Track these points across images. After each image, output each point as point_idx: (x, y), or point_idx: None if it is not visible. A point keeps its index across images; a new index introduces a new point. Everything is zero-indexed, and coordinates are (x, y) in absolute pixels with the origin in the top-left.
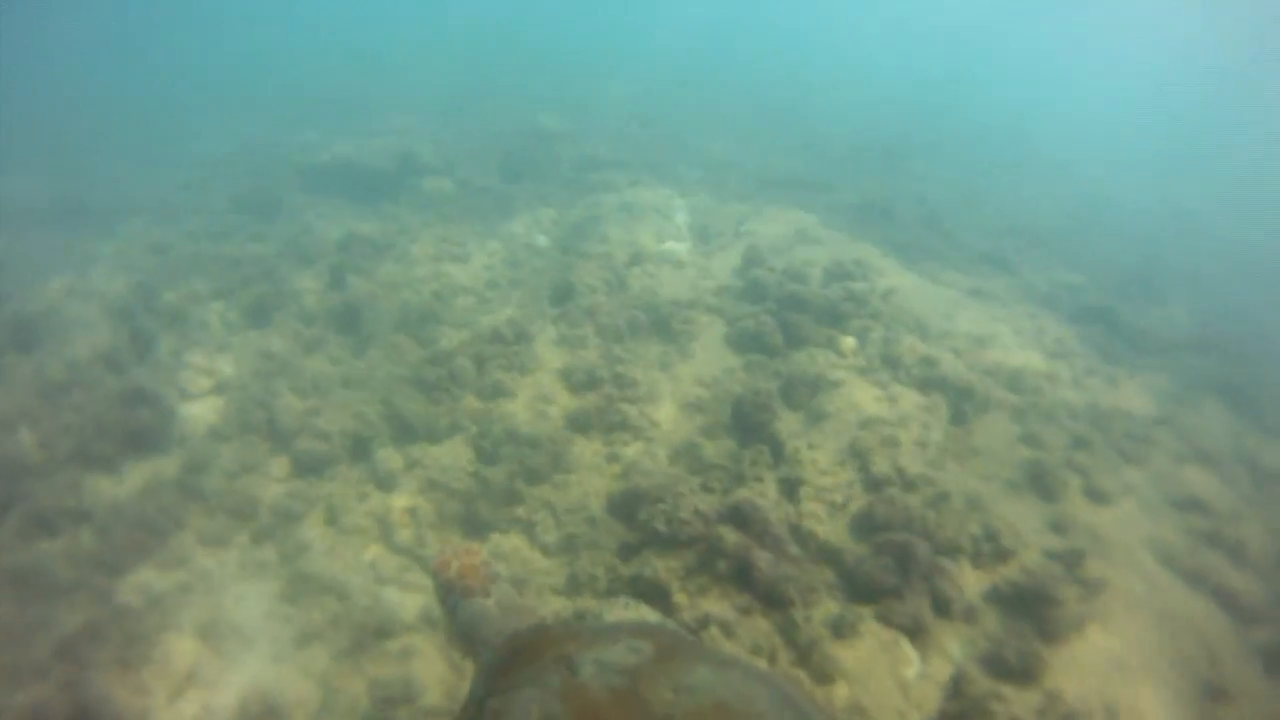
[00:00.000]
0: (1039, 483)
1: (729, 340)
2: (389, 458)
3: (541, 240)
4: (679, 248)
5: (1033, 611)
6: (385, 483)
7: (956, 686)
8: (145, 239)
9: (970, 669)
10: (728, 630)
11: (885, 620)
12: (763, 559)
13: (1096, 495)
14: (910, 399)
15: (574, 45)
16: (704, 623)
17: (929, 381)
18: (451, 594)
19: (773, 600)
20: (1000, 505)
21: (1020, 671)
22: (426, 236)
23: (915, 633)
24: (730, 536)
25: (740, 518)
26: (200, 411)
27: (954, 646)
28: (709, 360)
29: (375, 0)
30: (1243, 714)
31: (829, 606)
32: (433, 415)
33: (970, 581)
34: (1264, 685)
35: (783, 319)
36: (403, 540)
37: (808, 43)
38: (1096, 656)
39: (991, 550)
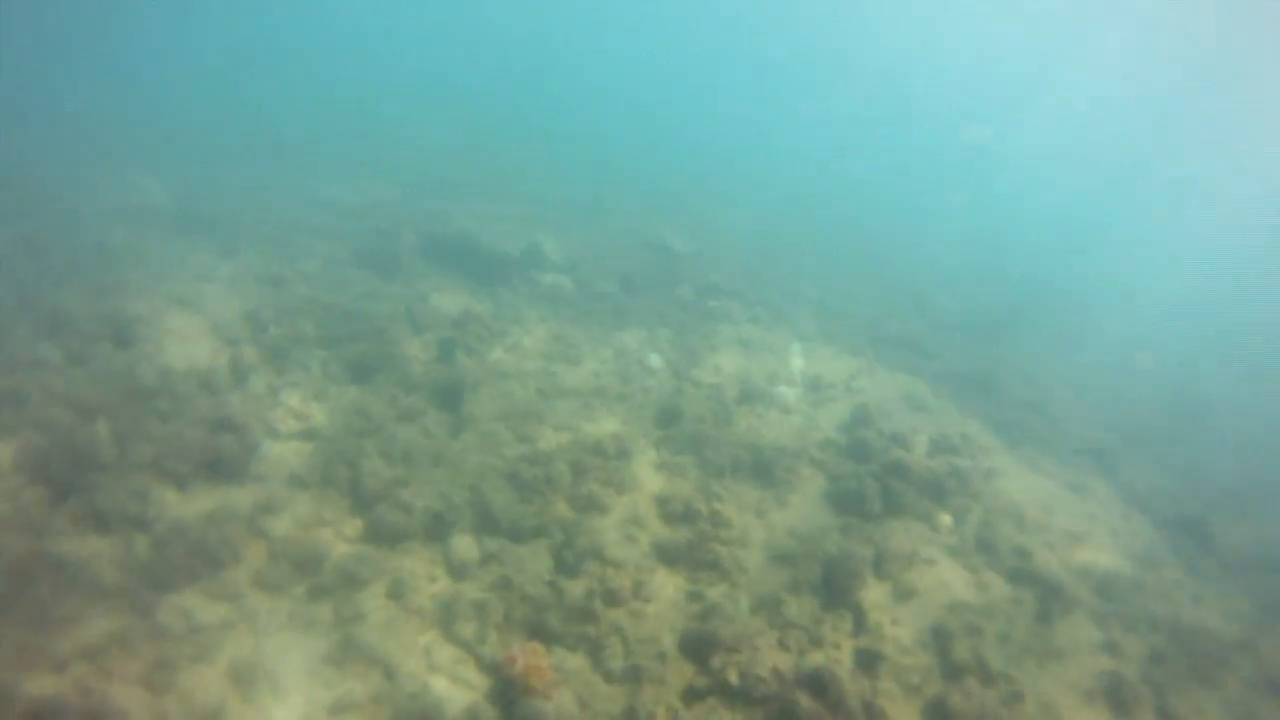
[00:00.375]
0: (1113, 695)
1: (827, 496)
2: (467, 546)
3: (655, 360)
4: (789, 393)
5: None
6: (458, 570)
7: None
8: (263, 269)
9: None
10: None
11: None
12: None
13: (1166, 716)
14: (1000, 588)
15: (703, 157)
16: None
17: (1020, 573)
18: (511, 689)
19: None
20: (1072, 716)
21: None
22: (541, 331)
23: None
24: (805, 702)
25: (818, 685)
26: (284, 453)
27: None
28: (805, 514)
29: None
30: None
31: None
32: (520, 513)
33: None
34: None
35: (885, 484)
36: (464, 633)
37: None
38: None
39: None
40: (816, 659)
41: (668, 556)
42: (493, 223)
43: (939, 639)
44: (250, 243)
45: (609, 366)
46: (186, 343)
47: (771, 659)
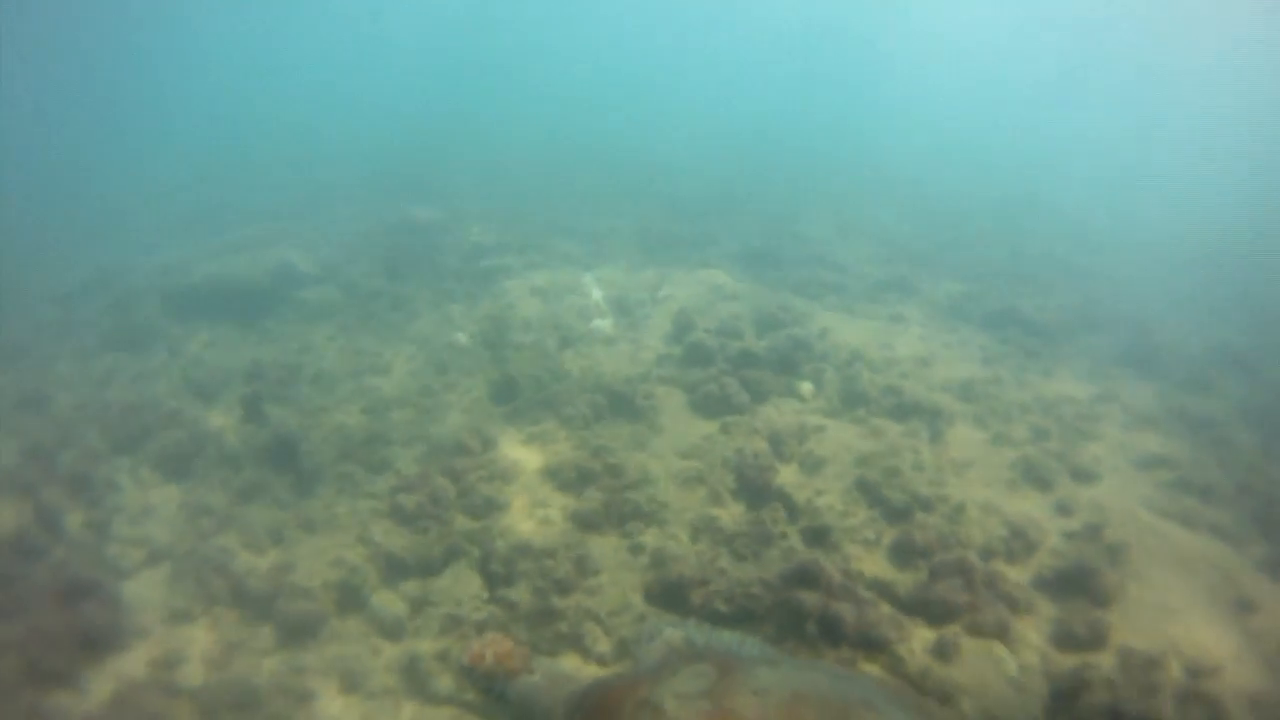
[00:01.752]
0: (1031, 475)
1: (694, 407)
2: (388, 602)
3: (461, 338)
4: (604, 324)
5: (1078, 586)
6: (394, 631)
7: (1048, 668)
8: (14, 393)
9: (1052, 651)
10: None
11: (976, 632)
12: (845, 610)
13: (1081, 474)
14: (891, 429)
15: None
16: None
17: (900, 409)
18: (496, 681)
19: (871, 645)
20: (1008, 504)
21: (1092, 639)
22: (333, 351)
23: (1002, 635)
24: (806, 597)
25: (808, 577)
26: (145, 590)
27: (1032, 636)
28: (682, 431)
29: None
30: (1273, 617)
31: (924, 635)
32: (423, 545)
33: (1015, 576)
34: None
35: (741, 376)
36: (444, 689)
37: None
38: (1144, 607)
39: (1021, 545)
40: (773, 556)
41: (589, 523)
42: (233, 255)
43: (867, 491)
44: None
45: (420, 361)
46: None
47: (741, 573)
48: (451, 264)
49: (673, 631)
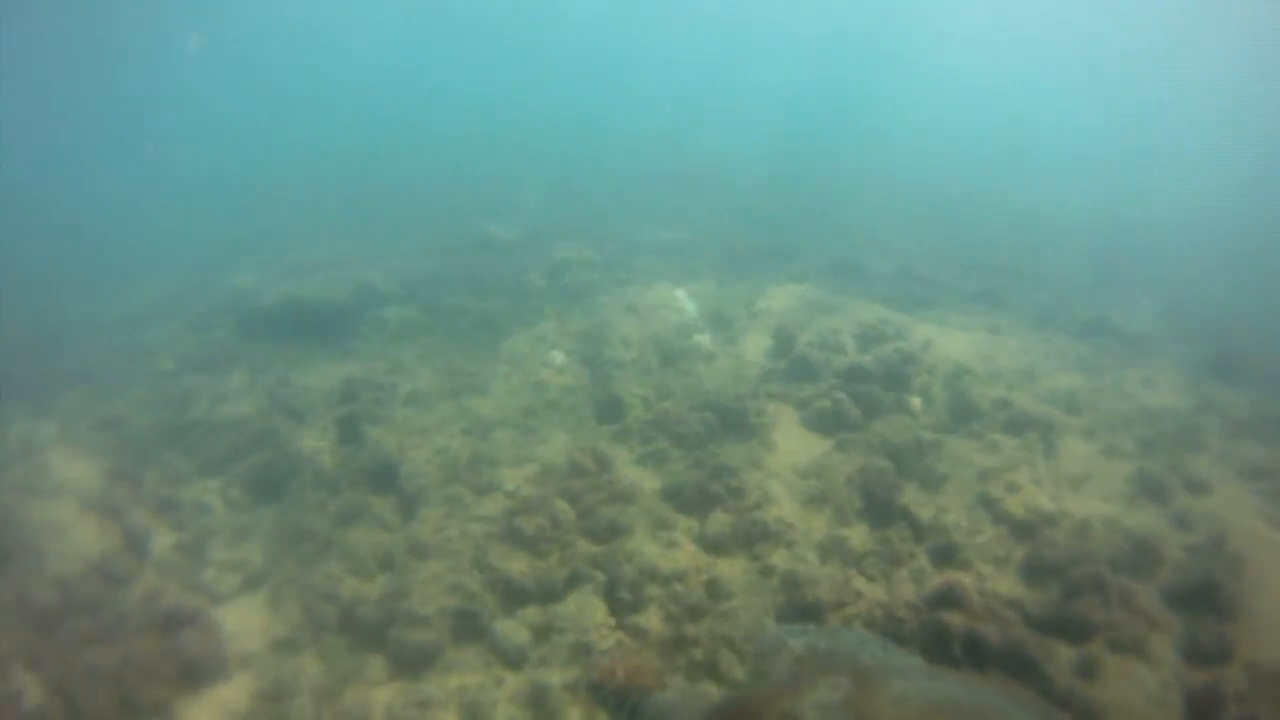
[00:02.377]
0: (1148, 488)
1: (806, 423)
2: (509, 630)
3: (558, 357)
4: (703, 340)
5: (1203, 600)
6: (517, 659)
7: (1184, 683)
8: (89, 414)
9: (1182, 666)
10: None
11: (1116, 649)
12: (990, 630)
13: (1194, 486)
14: (1007, 443)
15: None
16: None
17: (1013, 422)
18: (629, 698)
19: (1017, 665)
20: (1130, 518)
21: (1220, 654)
22: (426, 371)
23: (1139, 651)
24: (953, 619)
25: (951, 599)
26: (244, 617)
27: (1164, 651)
28: (797, 448)
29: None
30: None
31: (1066, 653)
32: (543, 571)
33: (1144, 591)
34: None
35: (852, 391)
36: (570, 718)
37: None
38: (1267, 619)
39: (1147, 560)
40: (902, 575)
41: (715, 546)
42: (308, 275)
43: (990, 508)
44: (61, 390)
45: (516, 380)
46: (62, 534)
47: (875, 594)
48: (536, 282)
49: (795, 641)
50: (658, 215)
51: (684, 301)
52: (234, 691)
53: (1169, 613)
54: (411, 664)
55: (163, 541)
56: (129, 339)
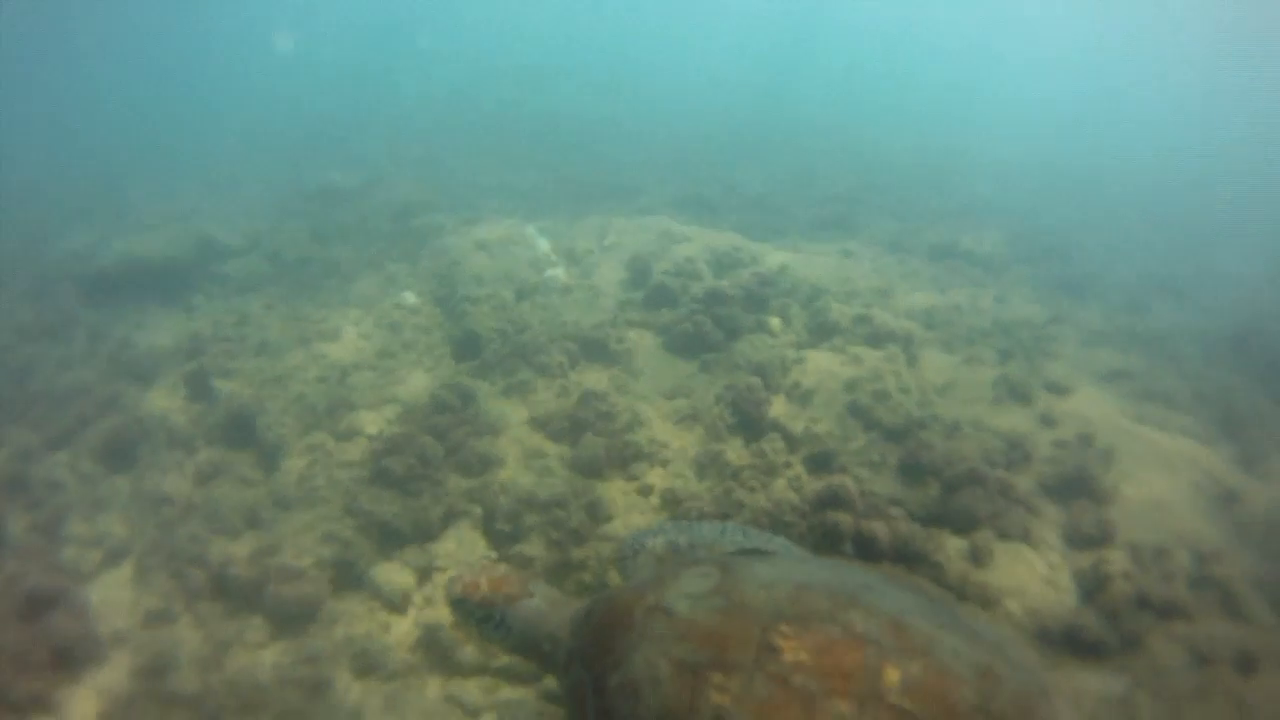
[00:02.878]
0: (1012, 392)
1: (669, 347)
2: (390, 574)
3: (409, 297)
4: (558, 273)
5: (1079, 490)
6: (400, 604)
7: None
8: None
9: (1067, 550)
10: None
11: (1004, 537)
12: (878, 527)
13: (1056, 388)
14: (869, 355)
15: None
16: None
17: (875, 336)
18: (495, 609)
19: (909, 558)
20: (997, 419)
21: (1101, 537)
22: (274, 320)
23: (1025, 538)
24: (842, 519)
25: (837, 500)
26: (112, 594)
27: (1049, 536)
28: (661, 372)
29: None
30: (1256, 506)
31: (955, 543)
32: (417, 510)
33: (1021, 484)
34: (1255, 483)
35: (713, 314)
36: (470, 658)
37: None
38: (1142, 505)
39: (1019, 456)
40: (780, 485)
41: (591, 469)
42: (144, 234)
43: (860, 415)
44: None
45: (370, 325)
46: None
47: (760, 502)
48: (382, 226)
49: (654, 539)
50: (502, 160)
51: (535, 237)
52: (113, 672)
53: (1047, 502)
54: (293, 620)
55: (19, 522)
56: None
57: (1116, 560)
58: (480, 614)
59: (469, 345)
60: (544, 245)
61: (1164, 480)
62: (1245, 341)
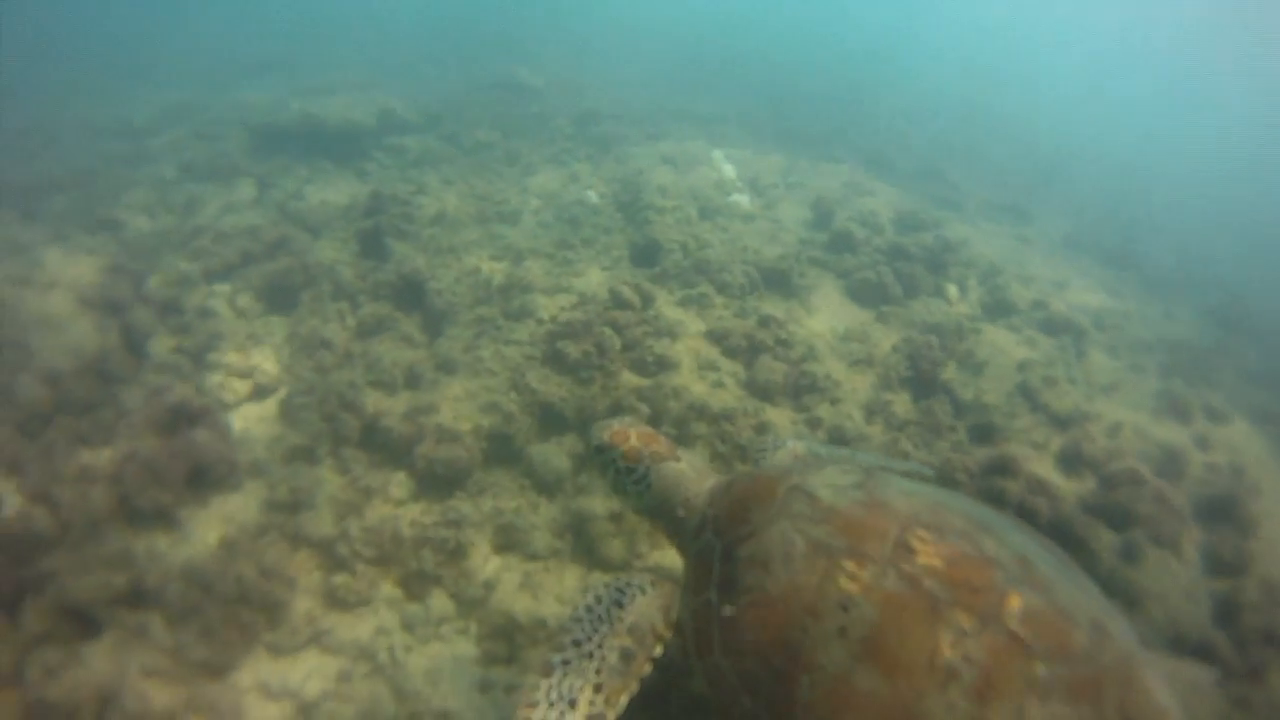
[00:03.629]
0: (1173, 408)
1: (848, 292)
2: (548, 455)
3: (592, 196)
4: (742, 200)
5: (1224, 515)
6: (553, 486)
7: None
8: (85, 218)
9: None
10: None
11: (1158, 543)
12: (1041, 504)
13: (1213, 414)
14: (1043, 341)
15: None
16: None
17: (1050, 323)
18: (640, 462)
19: (1064, 539)
20: (1156, 430)
21: (1239, 566)
22: (451, 195)
23: (1173, 546)
24: (1010, 486)
25: (1005, 468)
26: (255, 425)
27: (1192, 553)
28: (838, 314)
29: None
30: None
31: (1109, 537)
32: (585, 399)
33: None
34: None
35: (895, 268)
36: (616, 555)
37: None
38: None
39: (1173, 469)
40: (944, 446)
41: (763, 391)
42: (324, 97)
43: (1028, 397)
44: (54, 194)
45: (548, 215)
46: (59, 330)
47: (925, 457)
48: (564, 128)
49: (796, 442)
50: (687, 88)
51: (721, 161)
52: (245, 500)
53: (1193, 521)
54: (440, 482)
55: (164, 344)
56: (129, 146)
57: (1251, 590)
58: (624, 465)
59: (649, 252)
60: (729, 170)
61: None
62: None
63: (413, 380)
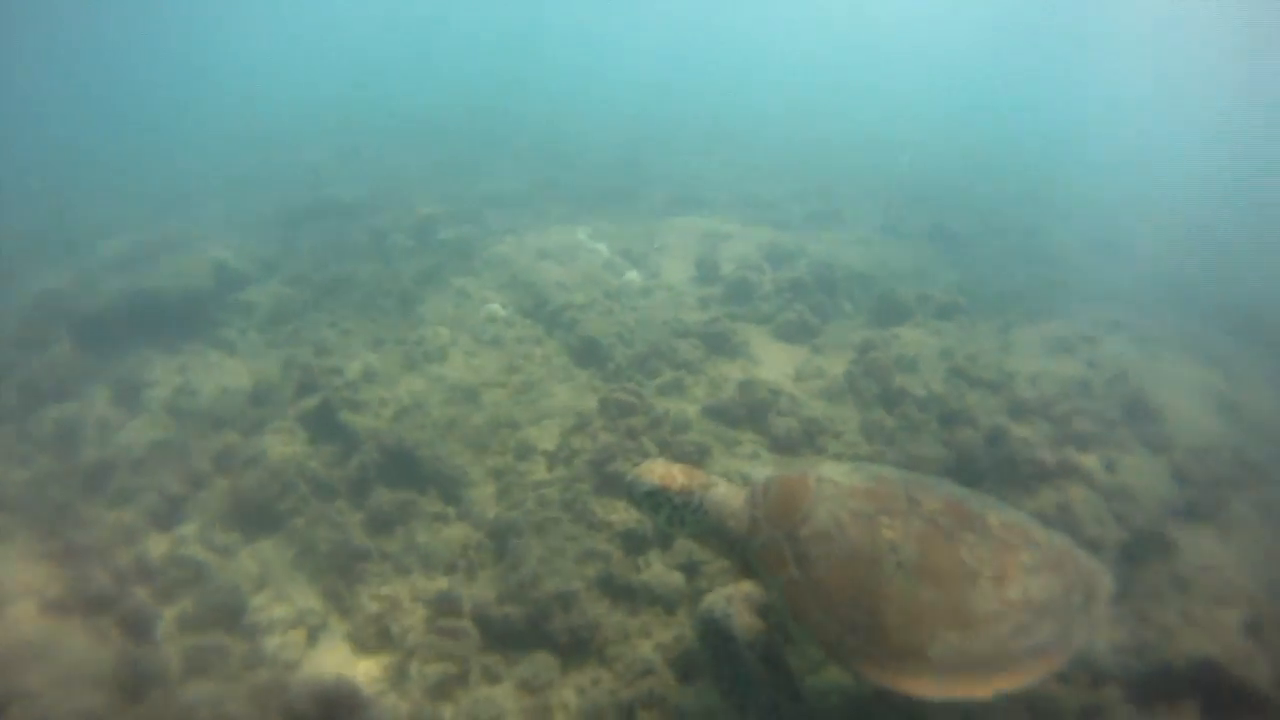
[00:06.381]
0: (1061, 346)
1: (777, 335)
2: (661, 576)
3: (498, 310)
4: (634, 275)
5: (1139, 413)
6: (674, 603)
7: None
8: None
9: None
10: None
11: (1123, 450)
12: (1046, 456)
13: (1089, 340)
14: (946, 327)
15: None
16: None
17: (943, 310)
18: (693, 494)
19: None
20: (1057, 368)
21: (1163, 447)
22: (359, 345)
23: (1133, 449)
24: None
25: (1000, 438)
26: (347, 670)
27: (1135, 446)
28: (778, 360)
29: None
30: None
31: (1089, 460)
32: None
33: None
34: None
35: (807, 302)
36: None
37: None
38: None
39: (1088, 392)
40: (929, 440)
41: (784, 447)
42: (143, 263)
43: (963, 376)
44: None
45: (467, 342)
46: (49, 658)
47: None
48: (404, 242)
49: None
50: (473, 168)
51: (592, 241)
52: None
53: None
54: (581, 646)
55: (176, 623)
56: None
57: (1181, 458)
58: (679, 500)
59: (590, 352)
60: (604, 249)
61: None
62: None
63: (471, 559)
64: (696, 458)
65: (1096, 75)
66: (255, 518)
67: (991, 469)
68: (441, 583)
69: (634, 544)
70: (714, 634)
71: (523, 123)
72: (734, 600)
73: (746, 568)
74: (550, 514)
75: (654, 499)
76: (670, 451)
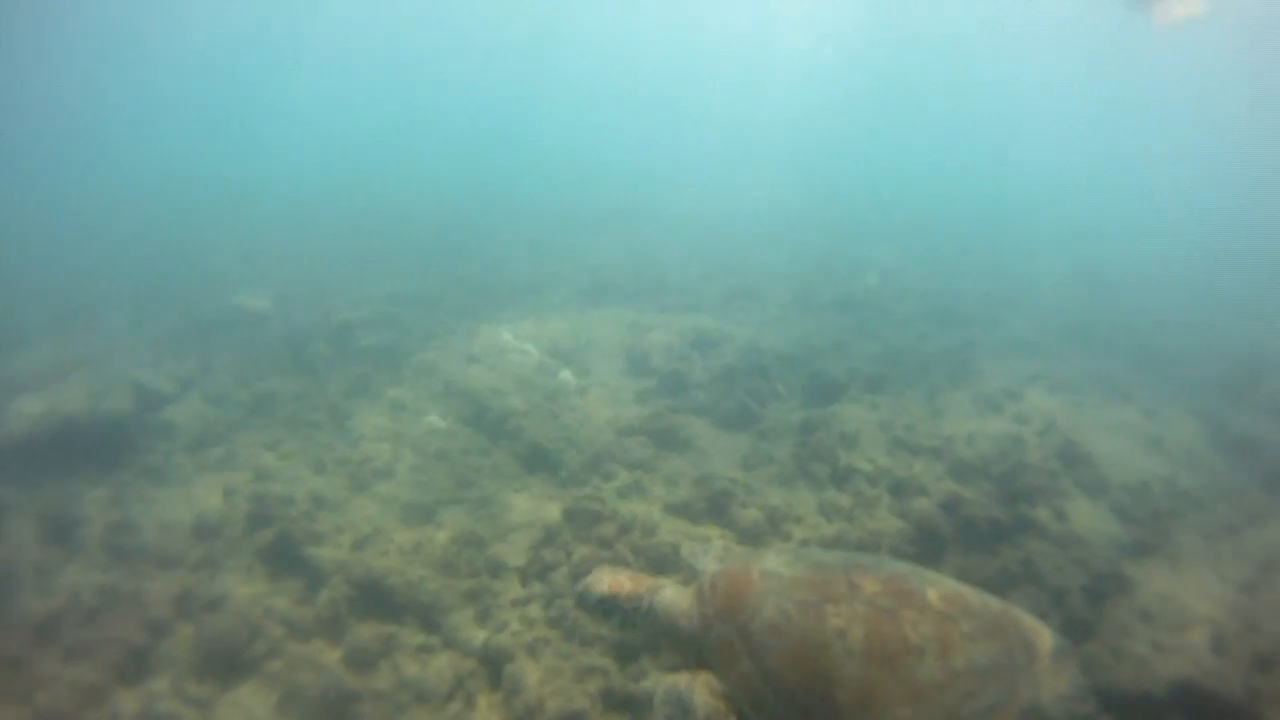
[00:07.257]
0: (989, 406)
1: (719, 426)
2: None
3: (436, 421)
4: (567, 375)
5: (1073, 459)
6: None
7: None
8: None
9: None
10: None
11: (1071, 497)
12: (999, 512)
13: (1013, 396)
14: (882, 400)
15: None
16: None
17: (873, 383)
18: (642, 600)
19: (1020, 526)
20: (990, 427)
21: (1099, 489)
22: (303, 468)
23: (1065, 496)
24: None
25: (955, 504)
26: None
27: (1075, 493)
28: (726, 449)
29: None
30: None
31: (1043, 512)
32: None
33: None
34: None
35: (745, 389)
36: None
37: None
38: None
39: (1015, 446)
40: (882, 512)
41: (752, 538)
42: (53, 384)
43: (904, 446)
44: None
45: (411, 457)
46: None
47: (889, 526)
48: (322, 351)
49: (719, 542)
50: (378, 267)
51: (519, 342)
52: None
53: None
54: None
55: None
56: None
57: (1120, 497)
58: (630, 605)
59: (540, 459)
60: (533, 349)
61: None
62: None
63: (468, 690)
64: (673, 559)
65: (979, 128)
66: (226, 664)
67: (954, 537)
68: (443, 716)
69: (626, 654)
70: (674, 705)
71: (417, 217)
72: (695, 683)
73: (702, 663)
74: (539, 633)
75: (604, 606)
76: (646, 558)
